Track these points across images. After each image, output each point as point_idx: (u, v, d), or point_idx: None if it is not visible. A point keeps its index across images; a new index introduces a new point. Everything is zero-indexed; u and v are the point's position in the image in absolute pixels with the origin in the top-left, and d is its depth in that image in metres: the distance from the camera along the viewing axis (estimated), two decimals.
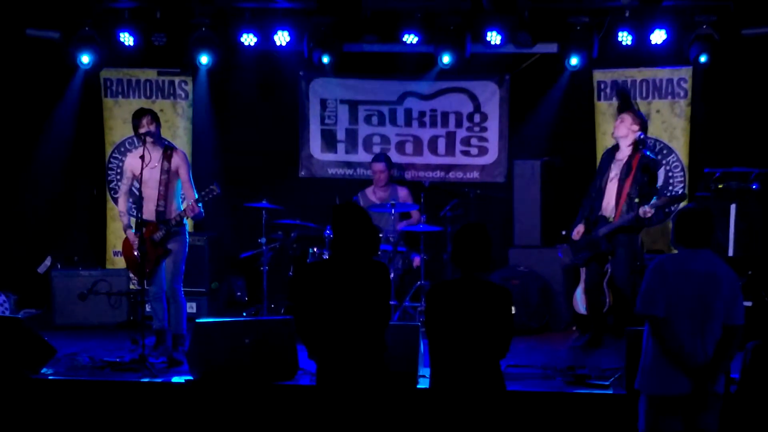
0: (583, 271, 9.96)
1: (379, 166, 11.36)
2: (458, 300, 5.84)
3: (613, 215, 9.27)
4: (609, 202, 9.34)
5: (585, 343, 9.63)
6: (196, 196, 9.11)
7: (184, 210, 9.08)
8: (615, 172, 9.33)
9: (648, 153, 9.47)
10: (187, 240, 9.34)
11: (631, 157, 9.25)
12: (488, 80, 12.04)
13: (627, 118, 9.39)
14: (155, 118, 9.19)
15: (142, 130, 9.06)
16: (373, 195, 11.46)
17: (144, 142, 9.02)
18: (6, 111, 11.75)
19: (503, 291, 5.90)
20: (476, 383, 5.78)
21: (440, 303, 5.89)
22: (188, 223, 9.62)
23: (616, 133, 9.43)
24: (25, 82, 11.72)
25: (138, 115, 9.18)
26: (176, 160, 9.19)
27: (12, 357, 8.29)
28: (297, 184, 12.34)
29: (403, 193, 11.43)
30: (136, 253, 9.05)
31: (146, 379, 8.36)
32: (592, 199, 9.53)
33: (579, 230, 9.54)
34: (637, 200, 8.99)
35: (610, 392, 7.89)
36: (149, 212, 9.07)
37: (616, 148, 9.47)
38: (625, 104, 9.76)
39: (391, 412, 6.27)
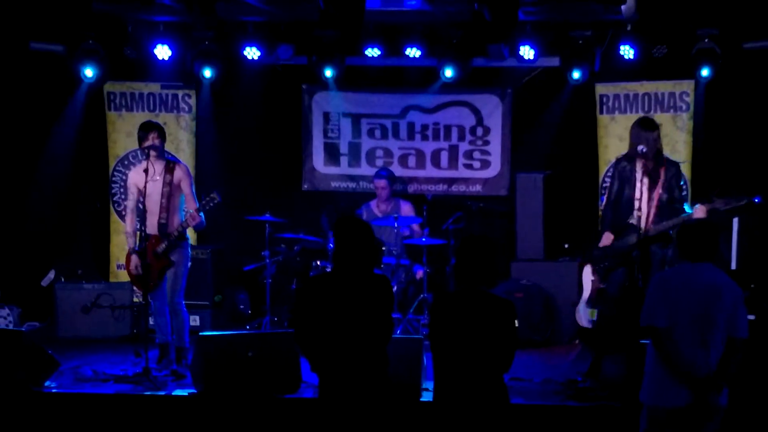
0: (586, 284, 9.92)
1: (381, 182, 11.38)
2: (462, 312, 5.83)
3: (644, 224, 8.84)
4: (640, 212, 8.88)
5: (585, 373, 9.30)
6: (195, 197, 9.15)
7: (186, 220, 9.10)
8: (645, 182, 8.89)
9: (668, 156, 9.32)
10: (189, 254, 9.35)
11: (657, 164, 8.87)
12: (491, 94, 12.07)
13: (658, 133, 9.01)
14: (161, 134, 9.22)
15: (147, 144, 9.07)
16: (376, 208, 11.48)
17: (147, 156, 9.03)
18: (10, 124, 11.76)
19: (507, 304, 5.90)
20: (480, 396, 5.78)
21: (444, 315, 5.89)
22: (191, 237, 9.62)
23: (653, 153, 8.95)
24: (29, 95, 11.73)
25: (145, 129, 9.19)
26: (178, 174, 9.21)
27: (16, 370, 8.29)
28: (300, 198, 12.36)
29: (406, 207, 11.44)
30: (139, 270, 9.07)
31: (149, 392, 8.36)
32: (614, 209, 9.13)
33: (609, 237, 9.09)
34: (677, 205, 8.79)
35: (613, 405, 7.88)
36: (152, 225, 9.09)
37: (632, 157, 9.01)
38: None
39: (394, 425, 6.27)
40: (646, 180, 8.88)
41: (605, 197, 9.40)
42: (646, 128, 8.93)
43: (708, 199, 8.62)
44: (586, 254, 9.70)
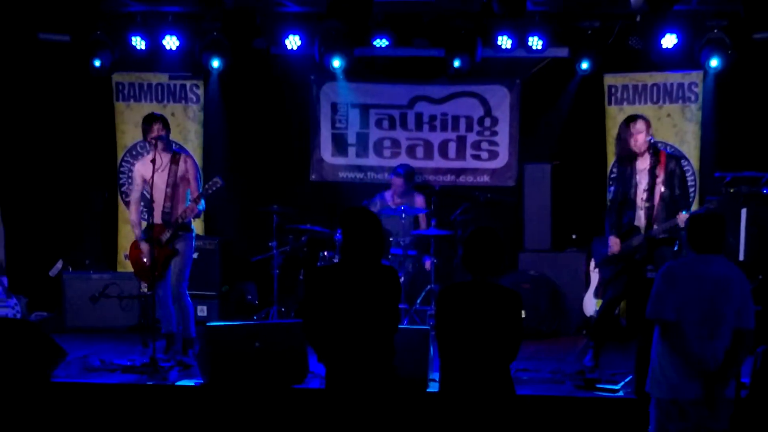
0: (593, 275, 9.90)
1: (398, 181, 11.31)
2: (468, 303, 5.83)
3: (645, 224, 8.70)
4: (644, 213, 8.72)
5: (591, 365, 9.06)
6: (200, 190, 9.17)
7: (184, 210, 9.11)
8: (644, 182, 8.71)
9: (669, 151, 9.20)
10: (194, 244, 9.37)
11: (655, 163, 8.68)
12: (499, 84, 12.05)
13: (643, 126, 8.78)
14: (166, 125, 9.23)
15: (152, 135, 9.09)
16: (390, 200, 11.45)
17: (155, 147, 9.05)
18: (17, 115, 11.77)
19: (514, 294, 5.89)
20: (485, 387, 5.78)
21: (450, 306, 5.88)
22: (196, 228, 9.63)
23: (640, 147, 8.73)
24: (37, 86, 11.75)
25: (149, 121, 9.20)
26: (185, 165, 9.23)
27: (23, 360, 8.31)
28: (308, 188, 12.36)
29: (420, 200, 11.42)
30: (145, 260, 9.10)
31: (156, 382, 8.37)
32: (617, 212, 8.90)
33: (616, 242, 8.81)
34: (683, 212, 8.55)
35: (620, 396, 7.88)
36: (157, 215, 9.11)
37: (633, 157, 8.82)
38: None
39: (400, 415, 6.26)
40: (645, 179, 8.73)
41: (610, 200, 9.25)
42: (629, 123, 8.81)
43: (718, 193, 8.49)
44: (594, 257, 9.58)
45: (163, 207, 9.15)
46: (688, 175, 10.95)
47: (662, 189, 8.67)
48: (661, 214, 8.68)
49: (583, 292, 10.47)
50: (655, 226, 8.68)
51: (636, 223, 8.81)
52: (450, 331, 5.85)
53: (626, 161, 8.93)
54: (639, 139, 8.75)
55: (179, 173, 9.19)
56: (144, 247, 9.17)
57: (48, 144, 11.97)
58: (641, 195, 8.74)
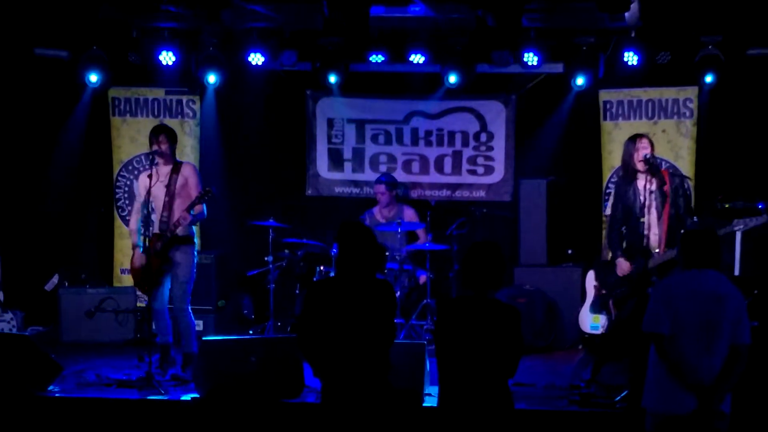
0: (589, 290, 9.89)
1: (380, 188, 11.38)
2: (468, 318, 5.82)
3: (658, 246, 8.58)
4: (652, 234, 8.61)
5: (589, 379, 9.18)
6: (191, 212, 9.15)
7: (177, 219, 9.10)
8: (648, 201, 8.60)
9: (671, 170, 9.14)
10: (195, 260, 9.36)
11: (660, 182, 8.60)
12: (494, 100, 12.07)
13: (647, 144, 8.74)
14: (170, 137, 9.26)
15: (154, 148, 9.13)
16: (379, 215, 11.47)
17: (152, 162, 9.06)
18: (14, 129, 11.77)
19: (512, 310, 5.89)
20: (485, 402, 5.78)
21: (450, 320, 5.88)
22: (197, 243, 9.62)
23: (642, 164, 8.67)
24: (34, 101, 11.75)
25: (156, 132, 9.26)
26: (185, 173, 9.25)
27: (19, 374, 8.30)
28: (304, 203, 12.37)
29: (409, 212, 11.43)
30: (136, 267, 9.13)
31: (153, 397, 8.37)
32: (618, 231, 8.83)
33: (626, 265, 8.71)
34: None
35: (616, 411, 7.88)
36: (155, 225, 9.14)
37: (633, 175, 8.76)
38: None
39: (396, 430, 6.27)
40: (655, 199, 8.63)
41: (609, 219, 9.17)
42: (635, 139, 8.83)
43: (725, 220, 8.44)
44: (601, 282, 9.52)
45: (161, 216, 9.17)
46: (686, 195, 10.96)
47: (670, 209, 8.61)
48: (668, 236, 8.54)
49: (579, 307, 10.46)
50: (656, 252, 8.55)
51: (647, 244, 8.64)
52: (449, 346, 5.85)
53: (628, 179, 8.88)
54: (642, 156, 8.71)
55: (179, 183, 9.21)
56: (137, 255, 9.18)
57: (45, 159, 11.96)
58: (653, 214, 8.65)
